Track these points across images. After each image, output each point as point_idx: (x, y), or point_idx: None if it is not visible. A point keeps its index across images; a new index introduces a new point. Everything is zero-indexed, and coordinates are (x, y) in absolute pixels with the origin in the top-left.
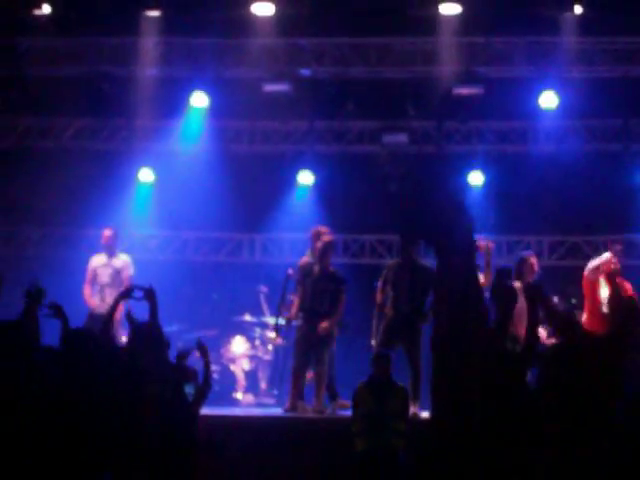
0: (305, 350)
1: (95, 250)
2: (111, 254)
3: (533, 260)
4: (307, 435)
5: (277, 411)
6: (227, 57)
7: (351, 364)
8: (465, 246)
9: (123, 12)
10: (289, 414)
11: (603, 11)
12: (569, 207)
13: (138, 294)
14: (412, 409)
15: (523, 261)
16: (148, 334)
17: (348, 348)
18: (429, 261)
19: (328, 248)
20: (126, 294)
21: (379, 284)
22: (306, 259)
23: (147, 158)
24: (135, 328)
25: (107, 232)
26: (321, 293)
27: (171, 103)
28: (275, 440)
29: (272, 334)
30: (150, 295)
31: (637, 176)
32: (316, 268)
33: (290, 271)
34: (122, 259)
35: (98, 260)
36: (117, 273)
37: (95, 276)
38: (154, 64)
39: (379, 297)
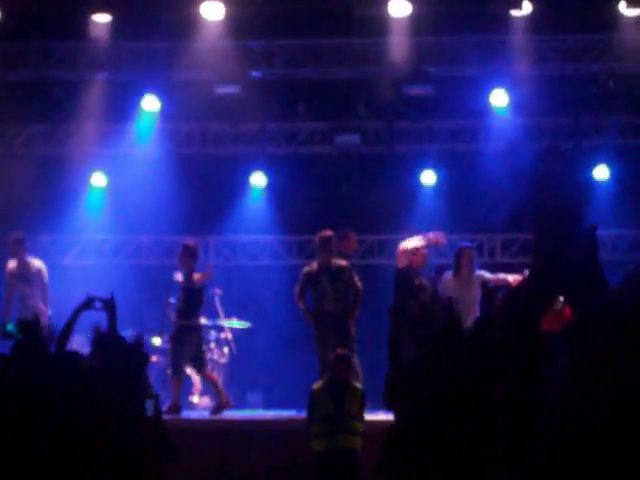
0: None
1: (47, 256)
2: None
3: (471, 252)
4: (265, 437)
5: (234, 414)
6: (177, 60)
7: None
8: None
9: (72, 16)
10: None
11: (553, 9)
12: (521, 205)
13: (98, 305)
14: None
15: (462, 252)
16: (109, 346)
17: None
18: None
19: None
20: (86, 305)
21: (296, 290)
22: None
23: (99, 162)
24: (96, 339)
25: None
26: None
27: (122, 107)
28: (232, 443)
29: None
30: (110, 306)
31: (588, 174)
32: None
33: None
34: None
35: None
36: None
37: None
38: (104, 68)
39: (300, 304)
